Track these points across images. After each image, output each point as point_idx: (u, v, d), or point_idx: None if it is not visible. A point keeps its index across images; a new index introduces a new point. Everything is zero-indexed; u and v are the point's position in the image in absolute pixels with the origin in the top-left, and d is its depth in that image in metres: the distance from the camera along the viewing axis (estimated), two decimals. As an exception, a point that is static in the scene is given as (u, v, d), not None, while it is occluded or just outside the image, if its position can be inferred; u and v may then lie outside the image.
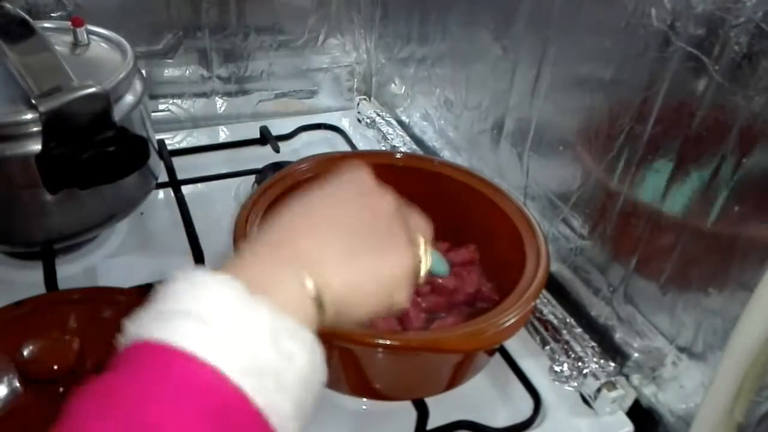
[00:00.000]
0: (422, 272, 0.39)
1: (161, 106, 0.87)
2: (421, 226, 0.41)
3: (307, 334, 0.31)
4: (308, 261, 0.34)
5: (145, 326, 0.29)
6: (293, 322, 0.31)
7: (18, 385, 0.43)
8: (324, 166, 0.61)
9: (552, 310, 0.59)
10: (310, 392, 0.31)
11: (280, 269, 0.33)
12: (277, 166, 0.75)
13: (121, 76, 0.57)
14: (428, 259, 0.40)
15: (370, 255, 0.36)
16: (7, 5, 0.58)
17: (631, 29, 0.48)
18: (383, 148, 0.84)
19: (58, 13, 0.75)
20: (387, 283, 0.37)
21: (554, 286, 0.62)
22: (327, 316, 0.34)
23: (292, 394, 0.29)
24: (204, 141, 0.86)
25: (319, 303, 0.33)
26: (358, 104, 0.95)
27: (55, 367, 0.42)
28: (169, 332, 0.28)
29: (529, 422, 0.52)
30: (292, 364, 0.29)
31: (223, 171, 0.79)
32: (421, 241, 0.40)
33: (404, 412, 0.51)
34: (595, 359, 0.54)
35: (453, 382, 0.52)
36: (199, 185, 0.77)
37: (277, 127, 0.87)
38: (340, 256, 0.35)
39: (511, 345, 0.58)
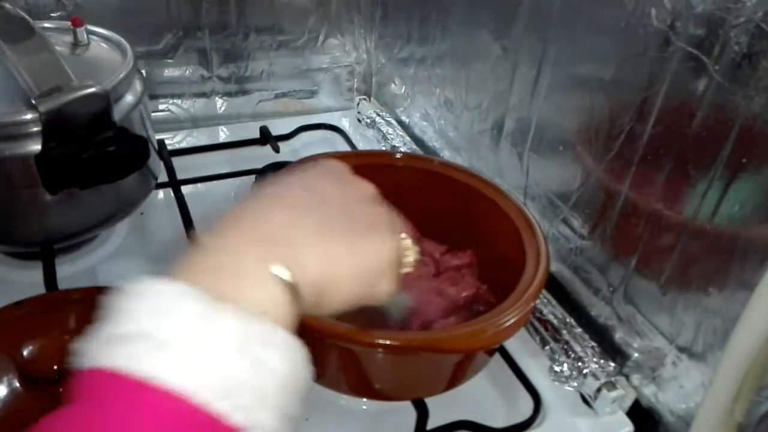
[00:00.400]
0: (410, 259, 0.37)
1: (161, 106, 0.87)
2: (400, 221, 0.38)
3: (281, 335, 0.28)
4: (277, 241, 0.30)
5: (102, 351, 0.26)
6: (265, 325, 0.27)
7: (18, 385, 0.43)
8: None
9: (552, 310, 0.59)
10: (293, 395, 0.28)
11: (246, 256, 0.30)
12: (277, 166, 0.75)
13: (121, 76, 0.57)
14: (414, 249, 0.37)
15: (348, 236, 0.33)
16: (7, 5, 0.58)
17: (631, 29, 0.48)
18: (383, 148, 0.84)
19: (58, 13, 0.75)
20: (368, 266, 0.33)
21: (554, 286, 0.62)
22: (305, 303, 0.30)
23: (274, 403, 0.27)
24: (204, 141, 0.86)
25: (293, 289, 0.30)
26: (358, 104, 0.95)
27: (55, 367, 0.42)
28: (127, 358, 0.25)
29: (529, 422, 0.52)
30: (269, 373, 0.27)
31: (223, 171, 0.78)
32: (405, 230, 0.37)
33: (404, 412, 0.51)
34: (595, 359, 0.54)
35: (453, 382, 0.52)
36: (199, 185, 0.77)
37: (277, 127, 0.87)
38: (314, 236, 0.32)
39: (511, 345, 0.58)
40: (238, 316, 0.27)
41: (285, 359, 0.28)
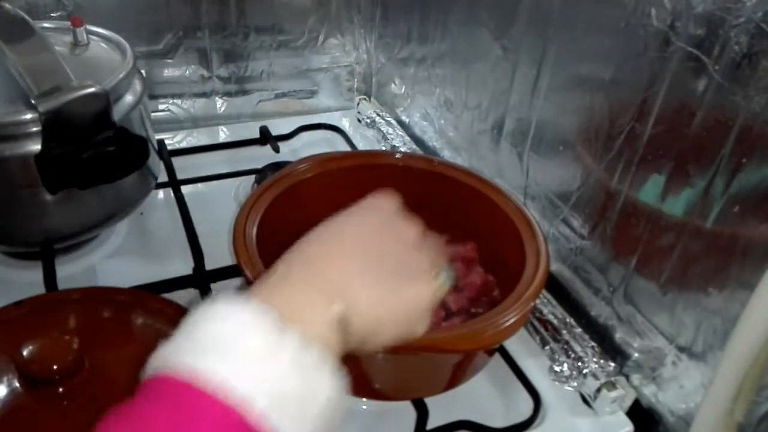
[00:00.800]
0: (446, 287, 0.40)
1: (161, 106, 0.87)
2: (439, 248, 0.43)
3: (331, 364, 0.31)
4: (339, 286, 0.34)
5: (175, 356, 0.29)
6: (320, 351, 0.31)
7: (18, 385, 0.43)
8: (324, 166, 0.61)
9: (552, 310, 0.59)
10: (330, 419, 0.31)
11: (311, 293, 0.34)
12: (277, 166, 0.75)
13: (121, 76, 0.57)
14: (447, 285, 0.40)
15: (396, 283, 0.37)
16: (7, 5, 0.58)
17: (631, 29, 0.48)
18: (383, 148, 0.84)
19: (58, 13, 0.75)
20: (411, 311, 0.38)
21: (554, 286, 0.62)
22: (352, 342, 0.34)
23: (314, 421, 0.30)
24: (204, 141, 0.86)
25: (345, 328, 0.34)
26: (358, 104, 0.95)
27: (55, 367, 0.42)
28: (199, 366, 0.28)
29: (529, 422, 0.52)
30: (316, 395, 0.30)
31: (223, 171, 0.79)
32: (442, 266, 0.41)
33: (404, 412, 0.51)
34: (595, 359, 0.54)
35: (453, 382, 0.52)
36: (199, 185, 0.77)
37: (277, 127, 0.87)
38: (368, 283, 0.36)
39: (511, 345, 0.58)
40: (300, 339, 0.30)
41: (330, 385, 0.31)
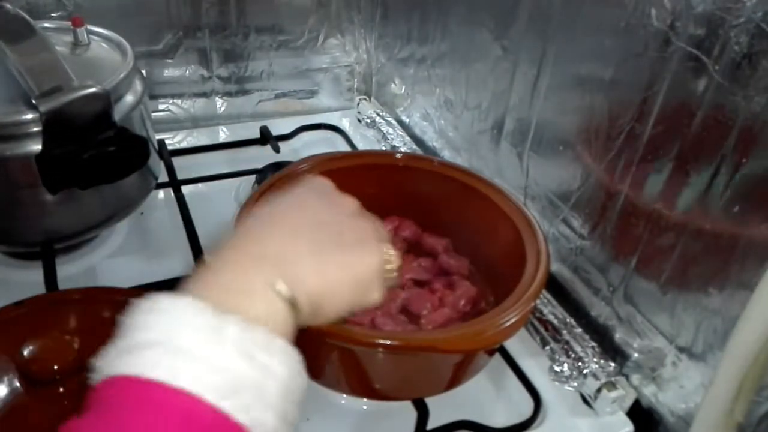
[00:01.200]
0: (393, 268, 0.40)
1: (161, 106, 0.87)
2: (382, 229, 0.42)
3: (281, 343, 0.31)
4: (278, 261, 0.34)
5: (117, 362, 0.28)
6: (265, 333, 0.30)
7: (18, 385, 0.43)
8: (324, 166, 0.61)
9: (552, 310, 0.59)
10: (292, 401, 0.31)
11: (249, 274, 0.33)
12: (277, 166, 0.75)
13: (121, 76, 0.57)
14: (397, 259, 0.40)
15: (339, 251, 0.37)
16: (7, 5, 0.58)
17: (631, 29, 0.48)
18: (383, 148, 0.84)
19: (58, 13, 0.75)
20: (359, 278, 0.37)
21: (554, 286, 0.62)
22: (302, 316, 0.34)
23: (275, 406, 0.29)
24: (204, 141, 0.86)
25: (293, 303, 0.33)
26: (358, 104, 0.95)
27: (55, 367, 0.42)
28: (140, 366, 0.27)
29: (529, 422, 0.52)
30: (271, 378, 0.29)
31: (223, 171, 0.79)
32: (388, 239, 0.41)
33: (404, 412, 0.51)
34: (595, 359, 0.54)
35: (453, 382, 0.52)
36: (199, 185, 0.77)
37: (277, 127, 0.87)
38: (310, 255, 0.35)
39: (511, 345, 0.58)
40: (242, 325, 0.29)
41: (284, 364, 0.30)
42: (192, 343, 0.28)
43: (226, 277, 0.33)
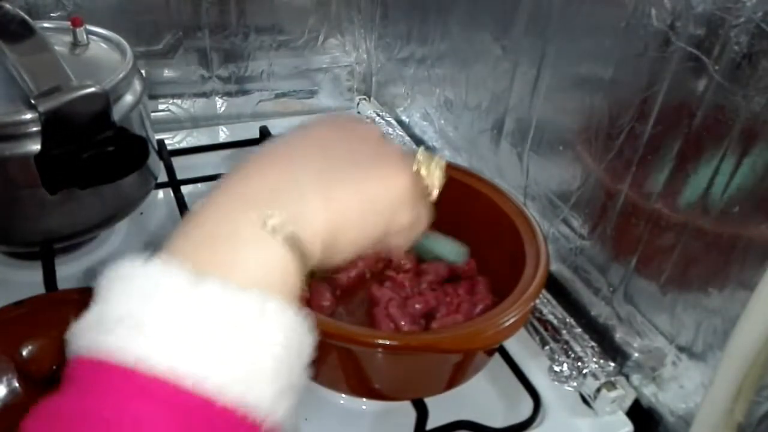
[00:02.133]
0: (435, 185, 0.34)
1: (161, 106, 0.87)
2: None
3: (275, 305, 0.26)
4: (276, 197, 0.28)
5: (89, 338, 0.25)
6: (256, 296, 0.25)
7: (17, 385, 0.43)
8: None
9: (552, 310, 0.59)
10: (293, 366, 0.26)
11: (241, 220, 0.27)
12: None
13: (121, 76, 0.57)
14: (437, 173, 0.34)
15: (353, 175, 0.30)
16: (7, 5, 0.58)
17: (631, 29, 0.48)
18: (383, 148, 0.84)
19: (58, 13, 0.75)
20: (379, 202, 0.31)
21: (554, 286, 0.62)
22: (311, 256, 0.28)
23: (271, 380, 0.25)
24: (204, 141, 0.86)
25: (297, 244, 0.27)
26: (358, 104, 0.95)
27: (55, 367, 0.42)
28: (113, 344, 0.24)
29: (529, 422, 0.52)
30: (263, 347, 0.25)
31: (223, 171, 0.78)
32: (421, 156, 0.34)
33: (404, 412, 0.51)
34: (594, 359, 0.54)
35: (453, 382, 0.52)
36: (199, 185, 0.77)
37: (277, 127, 0.87)
38: (315, 183, 0.29)
39: (511, 345, 0.58)
40: (224, 289, 0.25)
41: (280, 329, 0.26)
42: (166, 317, 0.24)
43: (214, 225, 0.28)
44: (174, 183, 0.73)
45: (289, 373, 0.26)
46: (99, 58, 0.61)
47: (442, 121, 0.80)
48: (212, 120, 0.91)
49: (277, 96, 0.94)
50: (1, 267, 0.64)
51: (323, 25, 0.91)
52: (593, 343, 0.56)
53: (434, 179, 0.34)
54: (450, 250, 0.43)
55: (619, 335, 0.55)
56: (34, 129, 0.51)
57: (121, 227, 0.69)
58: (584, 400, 0.54)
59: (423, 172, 0.34)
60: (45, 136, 0.51)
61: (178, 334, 0.24)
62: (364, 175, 0.30)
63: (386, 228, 0.31)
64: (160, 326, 0.24)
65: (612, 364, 0.54)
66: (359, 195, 0.30)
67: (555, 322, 0.57)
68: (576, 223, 0.58)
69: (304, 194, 0.28)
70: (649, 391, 0.53)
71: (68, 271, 0.63)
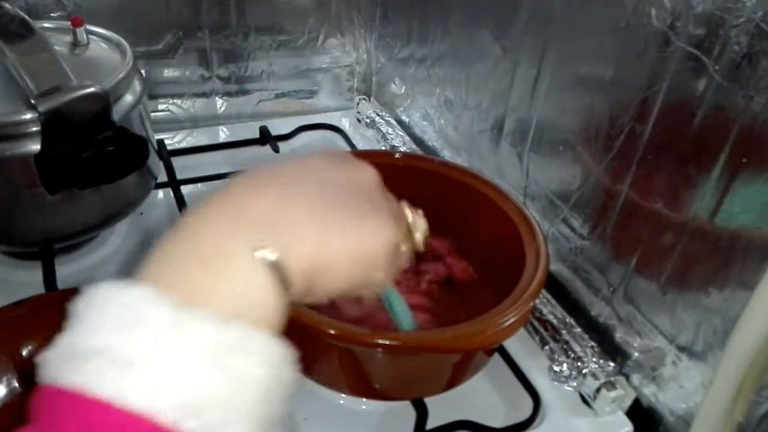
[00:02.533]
0: (418, 240, 0.35)
1: (161, 106, 0.87)
2: (403, 210, 0.37)
3: (259, 339, 0.25)
4: (267, 222, 0.27)
5: (64, 367, 0.24)
6: (241, 329, 0.25)
7: (17, 385, 0.43)
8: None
9: (552, 310, 0.58)
10: (275, 400, 0.26)
11: (230, 242, 0.27)
12: (276, 166, 0.75)
13: (121, 76, 0.57)
14: (420, 230, 0.35)
15: (345, 219, 0.30)
16: (7, 5, 0.58)
17: (631, 29, 0.48)
18: (383, 148, 0.84)
19: (58, 13, 0.75)
20: (366, 252, 0.31)
21: (554, 286, 0.61)
22: (295, 289, 0.28)
23: (250, 415, 0.24)
24: (204, 141, 0.86)
25: (282, 274, 0.27)
26: (358, 104, 0.95)
27: (55, 367, 0.42)
28: (89, 376, 0.23)
29: (529, 422, 0.52)
30: (245, 383, 0.24)
31: (223, 171, 0.78)
32: (408, 213, 0.36)
33: (403, 412, 0.51)
34: (594, 359, 0.54)
35: (452, 382, 0.52)
36: (199, 185, 0.77)
37: (277, 127, 0.87)
38: (308, 217, 0.29)
39: (511, 345, 0.58)
40: (210, 323, 0.24)
41: (263, 364, 0.25)
42: (148, 352, 0.23)
43: (201, 244, 0.27)
44: (174, 183, 0.73)
45: (270, 407, 0.26)
46: (99, 58, 0.61)
47: (442, 121, 0.80)
48: (212, 120, 0.91)
49: (277, 96, 0.94)
50: (1, 267, 0.64)
51: (323, 25, 0.91)
52: (593, 343, 0.56)
53: (419, 233, 0.36)
54: (405, 316, 0.44)
55: (619, 335, 0.55)
56: (34, 129, 0.51)
57: (121, 227, 0.69)
58: (584, 400, 0.54)
59: (410, 226, 0.35)
60: (45, 136, 0.51)
61: (159, 372, 0.23)
62: (356, 226, 0.31)
63: (365, 277, 0.32)
64: (140, 363, 0.23)
65: (612, 364, 0.54)
66: (347, 241, 0.30)
67: (555, 322, 0.57)
68: (576, 223, 0.58)
69: (295, 228, 0.28)
70: (649, 391, 0.53)
71: (68, 271, 0.63)
